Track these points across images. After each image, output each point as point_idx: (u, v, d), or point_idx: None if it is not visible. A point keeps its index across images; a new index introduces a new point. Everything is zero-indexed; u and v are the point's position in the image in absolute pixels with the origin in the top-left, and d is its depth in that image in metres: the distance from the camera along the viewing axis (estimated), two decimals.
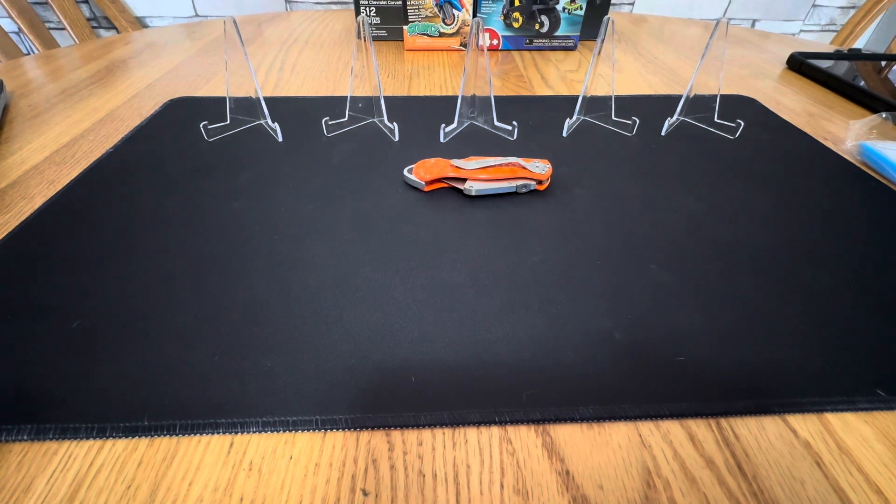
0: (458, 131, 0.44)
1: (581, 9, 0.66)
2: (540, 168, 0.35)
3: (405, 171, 0.36)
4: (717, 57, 0.41)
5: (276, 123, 0.42)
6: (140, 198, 0.34)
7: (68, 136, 0.43)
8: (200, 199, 0.34)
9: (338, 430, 0.20)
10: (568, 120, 0.44)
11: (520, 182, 0.35)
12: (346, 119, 0.44)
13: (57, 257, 0.29)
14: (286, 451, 0.19)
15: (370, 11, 0.69)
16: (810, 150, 0.42)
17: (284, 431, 0.20)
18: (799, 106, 0.53)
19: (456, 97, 0.43)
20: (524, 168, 0.34)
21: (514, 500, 0.18)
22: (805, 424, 0.21)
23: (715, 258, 0.29)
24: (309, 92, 0.54)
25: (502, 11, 0.66)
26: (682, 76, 0.61)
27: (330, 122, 0.44)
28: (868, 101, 0.52)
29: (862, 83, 0.56)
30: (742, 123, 0.43)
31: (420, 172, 0.35)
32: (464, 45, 0.68)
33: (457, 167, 0.34)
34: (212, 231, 0.31)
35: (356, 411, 0.20)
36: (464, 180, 0.34)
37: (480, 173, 0.34)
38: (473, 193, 0.34)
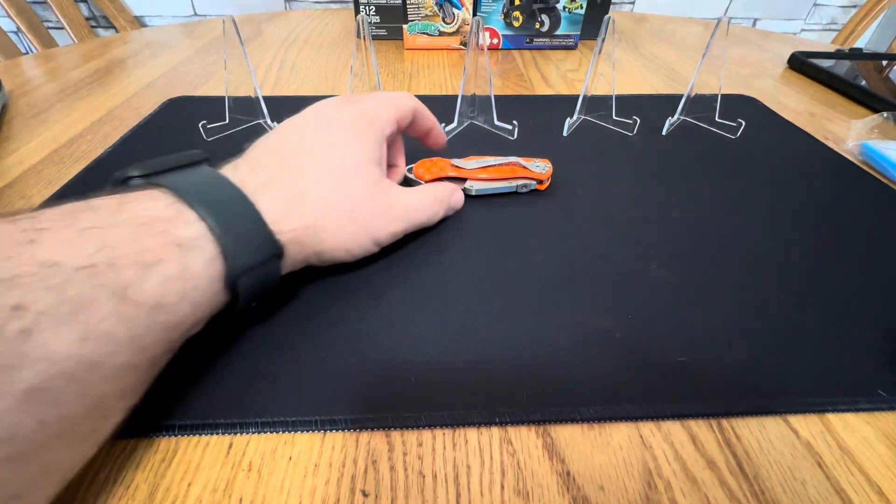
0: (458, 131, 0.44)
1: (581, 8, 0.66)
2: (540, 168, 0.35)
3: (405, 171, 0.36)
4: (718, 56, 0.41)
5: (275, 123, 0.42)
6: None
7: (67, 136, 0.43)
8: None
9: (337, 430, 0.20)
10: (568, 119, 0.44)
11: (520, 182, 0.34)
12: None
13: None
14: (286, 452, 0.19)
15: (370, 10, 0.69)
16: (811, 149, 0.42)
17: (284, 432, 0.20)
18: (800, 105, 0.53)
19: (456, 96, 0.42)
20: (524, 168, 0.34)
21: (515, 500, 0.18)
22: (806, 425, 0.21)
23: (716, 258, 0.29)
24: (308, 91, 0.53)
25: (502, 10, 0.66)
26: (682, 75, 0.61)
27: None
28: (869, 100, 0.52)
29: (863, 83, 0.56)
30: (743, 123, 0.43)
31: (420, 172, 0.35)
32: (464, 44, 0.68)
33: (457, 167, 0.34)
34: None
35: (356, 411, 0.20)
36: (464, 180, 0.34)
37: (480, 173, 0.34)
38: (473, 193, 0.34)
